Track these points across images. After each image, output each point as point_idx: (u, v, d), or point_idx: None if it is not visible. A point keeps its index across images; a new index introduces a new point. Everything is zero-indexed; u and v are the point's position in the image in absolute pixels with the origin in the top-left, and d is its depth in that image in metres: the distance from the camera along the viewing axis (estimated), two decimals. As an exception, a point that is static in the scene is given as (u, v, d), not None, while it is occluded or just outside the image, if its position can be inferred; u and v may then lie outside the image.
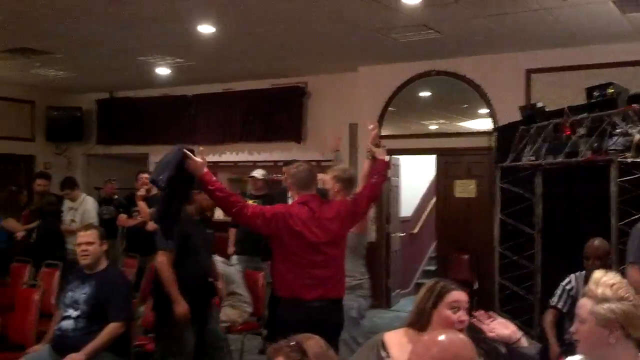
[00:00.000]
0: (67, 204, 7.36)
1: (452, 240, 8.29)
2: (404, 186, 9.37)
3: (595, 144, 5.25)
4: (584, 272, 4.43)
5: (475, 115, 8.43)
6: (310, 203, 3.71)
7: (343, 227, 3.79)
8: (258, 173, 7.16)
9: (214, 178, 3.56)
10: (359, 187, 4.25)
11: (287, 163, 6.43)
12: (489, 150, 7.68)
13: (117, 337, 3.96)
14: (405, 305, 8.58)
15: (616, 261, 4.68)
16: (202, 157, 3.54)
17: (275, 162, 9.22)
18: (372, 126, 4.22)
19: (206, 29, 6.96)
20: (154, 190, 6.12)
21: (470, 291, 6.93)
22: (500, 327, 2.46)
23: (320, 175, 4.33)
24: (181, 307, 4.11)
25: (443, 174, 8.55)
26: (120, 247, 7.77)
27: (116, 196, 8.53)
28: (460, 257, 8.07)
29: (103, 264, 4.17)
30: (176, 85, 10.51)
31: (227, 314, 5.32)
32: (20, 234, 7.06)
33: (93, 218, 7.19)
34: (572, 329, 2.16)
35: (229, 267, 5.72)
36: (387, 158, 4.13)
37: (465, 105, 8.49)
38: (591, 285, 2.12)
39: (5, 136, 10.97)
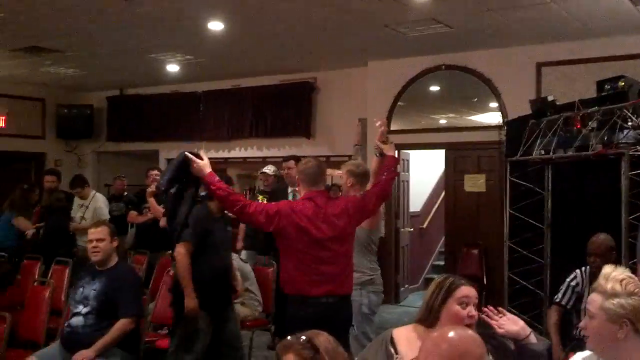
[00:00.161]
0: (77, 201, 7.39)
1: (461, 235, 8.25)
2: (413, 181, 9.34)
3: (606, 138, 5.21)
4: (589, 266, 4.42)
5: (485, 109, 8.38)
6: (317, 199, 3.69)
7: (350, 223, 3.75)
8: (269, 169, 7.17)
9: (217, 178, 3.62)
10: (369, 184, 4.22)
11: (286, 159, 6.50)
12: (499, 145, 7.64)
13: (127, 334, 3.97)
14: (415, 301, 8.58)
15: (626, 255, 4.66)
16: (203, 155, 3.63)
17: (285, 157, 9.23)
18: (379, 123, 4.16)
19: (216, 25, 6.96)
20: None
21: (479, 286, 6.91)
22: (510, 324, 2.45)
23: (329, 171, 4.32)
24: (192, 301, 4.12)
25: (452, 169, 8.50)
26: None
27: (126, 193, 8.55)
28: (469, 252, 8.04)
29: (114, 261, 4.19)
30: (186, 82, 10.53)
31: (238, 311, 5.31)
32: (29, 232, 7.10)
33: (105, 215, 7.21)
34: (582, 324, 2.16)
35: (245, 264, 5.70)
36: (395, 153, 4.10)
37: (475, 99, 8.45)
38: (601, 280, 2.11)
39: (16, 134, 11.07)
